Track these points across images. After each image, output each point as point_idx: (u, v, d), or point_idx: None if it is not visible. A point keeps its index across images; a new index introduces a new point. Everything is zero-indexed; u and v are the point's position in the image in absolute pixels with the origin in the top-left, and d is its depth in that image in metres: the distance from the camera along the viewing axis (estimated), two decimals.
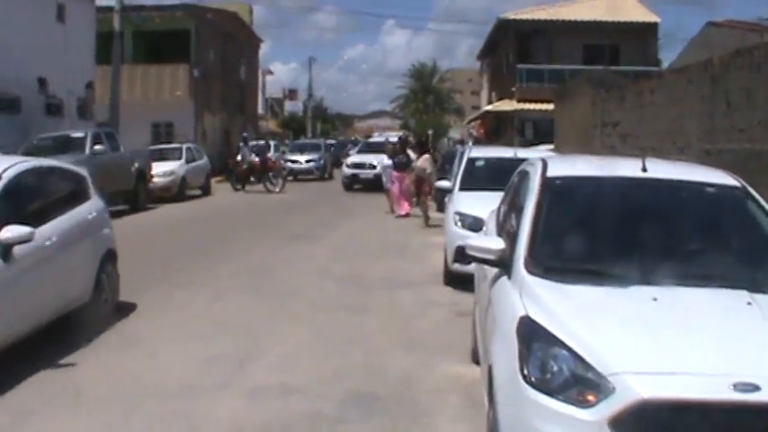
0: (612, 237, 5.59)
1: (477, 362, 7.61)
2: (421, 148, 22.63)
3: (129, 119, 32.62)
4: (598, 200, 5.91)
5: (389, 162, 23.37)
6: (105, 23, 32.48)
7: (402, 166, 22.04)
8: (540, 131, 38.37)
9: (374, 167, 31.46)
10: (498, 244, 5.59)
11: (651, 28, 45.71)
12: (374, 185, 29.63)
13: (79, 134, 22.98)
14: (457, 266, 11.88)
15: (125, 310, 10.36)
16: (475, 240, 5.96)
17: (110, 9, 32.62)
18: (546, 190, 5.79)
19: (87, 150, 21.54)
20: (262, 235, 18.58)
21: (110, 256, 10.09)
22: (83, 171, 10.57)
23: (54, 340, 8.42)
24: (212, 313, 10.42)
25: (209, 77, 43.84)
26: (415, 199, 21.15)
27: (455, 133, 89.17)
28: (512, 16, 46.83)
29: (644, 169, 5.93)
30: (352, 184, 32.72)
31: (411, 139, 32.33)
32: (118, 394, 7.06)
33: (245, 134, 36.06)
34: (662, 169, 6.28)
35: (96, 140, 22.30)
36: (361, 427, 6.32)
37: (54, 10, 30.26)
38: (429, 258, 14.91)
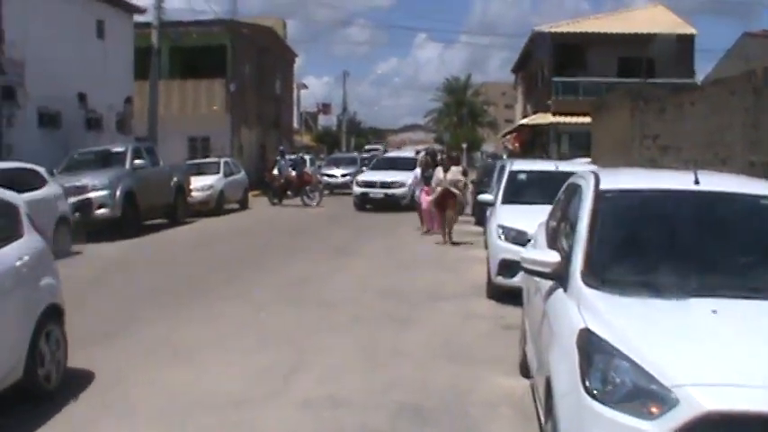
0: (668, 249, 5.57)
1: (525, 375, 7.61)
2: (450, 162, 21.52)
3: (166, 133, 33.01)
4: (652, 212, 5.90)
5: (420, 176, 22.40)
6: (143, 39, 32.88)
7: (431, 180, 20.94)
8: (576, 144, 38.31)
9: (388, 186, 29.27)
10: (554, 257, 5.59)
11: (687, 40, 45.43)
12: (386, 206, 28.26)
13: (120, 148, 23.16)
14: (500, 279, 11.87)
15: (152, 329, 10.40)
16: (530, 253, 5.96)
17: (147, 25, 33.04)
18: (600, 203, 5.78)
19: (128, 165, 21.72)
20: (301, 248, 18.67)
21: (52, 315, 7.49)
22: (14, 200, 7.97)
23: None
24: (255, 325, 10.46)
25: (244, 92, 44.14)
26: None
27: (489, 147, 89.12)
28: (547, 29, 46.78)
29: (696, 182, 5.91)
30: (363, 203, 29.66)
31: (441, 152, 30.87)
32: (167, 406, 7.13)
33: (281, 148, 36.15)
34: (714, 182, 6.26)
35: (137, 155, 22.45)
36: None
37: (94, 26, 30.70)
38: (468, 272, 14.89)
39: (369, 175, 31.16)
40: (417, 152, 30.89)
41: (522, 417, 6.72)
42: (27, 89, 25.71)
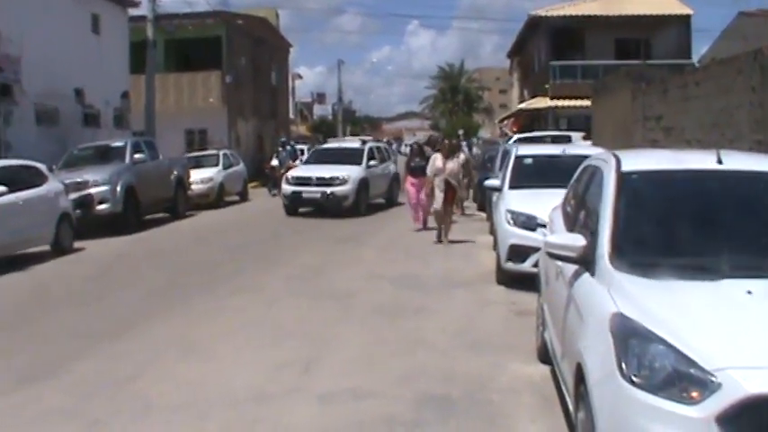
0: (696, 230, 5.48)
1: (544, 361, 7.54)
2: (452, 148, 19.73)
3: (163, 127, 32.84)
4: (677, 193, 5.81)
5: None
6: (138, 33, 32.72)
7: (420, 170, 18.74)
8: (575, 128, 38.15)
9: (326, 183, 23.23)
10: (580, 241, 5.49)
11: (684, 20, 45.28)
12: (324, 209, 23.41)
13: (119, 143, 23.04)
14: (510, 265, 11.78)
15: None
16: (554, 238, 5.87)
17: (142, 18, 32.83)
18: (623, 185, 5.69)
19: (128, 159, 21.59)
20: (308, 239, 18.58)
21: None
22: None
23: None
24: (270, 318, 10.37)
25: (241, 83, 43.98)
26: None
27: (485, 132, 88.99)
28: (543, 13, 46.57)
29: (719, 161, 5.82)
30: (294, 205, 23.77)
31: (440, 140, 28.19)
32: (186, 402, 7.03)
33: (283, 139, 36.01)
34: (737, 161, 6.17)
35: (136, 149, 22.33)
36: (441, 430, 6.23)
37: (89, 21, 30.57)
38: (476, 257, 14.83)
39: (302, 171, 24.88)
40: (364, 142, 28.00)
41: (545, 403, 6.68)
42: (24, 86, 25.57)
